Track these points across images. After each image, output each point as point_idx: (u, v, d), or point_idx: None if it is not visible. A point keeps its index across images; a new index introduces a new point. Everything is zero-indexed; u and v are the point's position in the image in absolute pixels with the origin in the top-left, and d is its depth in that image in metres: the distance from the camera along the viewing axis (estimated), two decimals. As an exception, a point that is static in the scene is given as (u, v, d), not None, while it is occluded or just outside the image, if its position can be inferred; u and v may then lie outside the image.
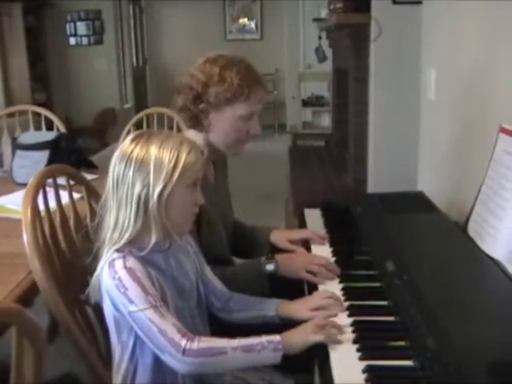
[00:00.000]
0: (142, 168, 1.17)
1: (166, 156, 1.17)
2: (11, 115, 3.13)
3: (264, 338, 1.14)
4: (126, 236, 1.18)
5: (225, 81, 1.49)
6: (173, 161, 1.17)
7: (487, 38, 1.68)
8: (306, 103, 7.47)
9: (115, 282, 1.15)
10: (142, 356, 1.21)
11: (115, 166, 1.19)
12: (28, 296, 1.43)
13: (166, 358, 1.14)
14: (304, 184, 4.79)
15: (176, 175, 1.17)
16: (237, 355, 1.13)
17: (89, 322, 1.45)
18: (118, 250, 1.18)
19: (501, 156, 1.45)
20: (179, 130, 2.67)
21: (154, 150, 1.17)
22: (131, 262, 1.17)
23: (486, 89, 1.69)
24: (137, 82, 8.31)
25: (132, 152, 1.18)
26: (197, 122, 1.56)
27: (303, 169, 5.34)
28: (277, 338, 1.14)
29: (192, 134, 1.57)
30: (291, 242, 1.69)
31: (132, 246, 1.19)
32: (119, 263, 1.16)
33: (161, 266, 1.23)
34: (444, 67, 2.09)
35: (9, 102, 6.13)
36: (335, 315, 1.22)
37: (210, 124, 1.55)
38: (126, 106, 7.74)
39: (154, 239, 1.20)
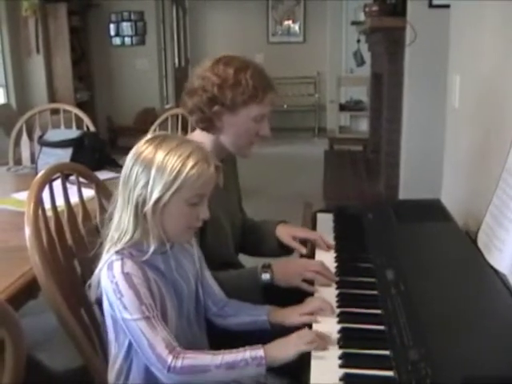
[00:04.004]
0: (145, 172, 1.16)
1: (169, 166, 1.15)
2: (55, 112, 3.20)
3: (247, 354, 1.12)
4: (126, 239, 1.19)
5: (240, 83, 1.47)
6: (174, 172, 1.15)
7: (508, 45, 1.63)
8: (343, 107, 7.38)
9: (112, 285, 1.16)
10: (137, 356, 1.21)
11: (126, 164, 1.20)
12: (32, 288, 1.45)
13: (153, 370, 1.15)
14: (334, 188, 4.76)
15: (174, 188, 1.16)
16: (220, 372, 1.12)
17: (95, 322, 1.44)
18: (117, 252, 1.18)
19: (512, 166, 1.41)
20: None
21: (159, 157, 1.16)
22: (129, 266, 1.17)
23: (506, 97, 1.64)
24: (178, 82, 8.39)
25: (142, 153, 1.18)
26: (209, 125, 1.54)
27: (335, 173, 5.31)
28: (260, 353, 1.12)
29: (199, 136, 1.57)
30: (295, 239, 1.68)
31: (132, 248, 1.19)
32: (117, 267, 1.16)
33: (160, 267, 1.23)
34: (467, 74, 2.04)
35: (52, 100, 6.30)
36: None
37: (224, 126, 1.53)
38: (167, 106, 7.84)
39: (152, 246, 1.19)
